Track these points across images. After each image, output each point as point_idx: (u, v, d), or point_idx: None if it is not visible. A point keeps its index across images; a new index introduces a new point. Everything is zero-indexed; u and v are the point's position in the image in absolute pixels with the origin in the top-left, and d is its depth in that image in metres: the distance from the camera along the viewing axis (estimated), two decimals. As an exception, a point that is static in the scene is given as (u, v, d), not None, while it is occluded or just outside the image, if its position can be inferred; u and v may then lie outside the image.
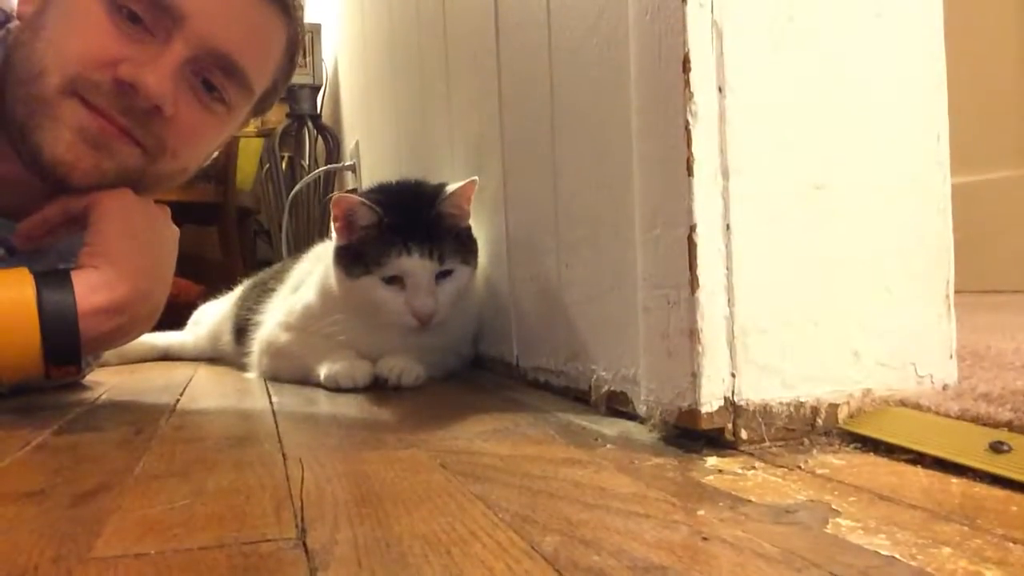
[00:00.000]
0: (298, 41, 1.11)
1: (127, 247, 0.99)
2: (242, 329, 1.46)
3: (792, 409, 0.66)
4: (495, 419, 0.84)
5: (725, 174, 0.64)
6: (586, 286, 0.90)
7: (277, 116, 3.35)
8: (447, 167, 1.21)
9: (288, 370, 1.25)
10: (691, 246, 0.64)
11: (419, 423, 0.86)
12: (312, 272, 1.32)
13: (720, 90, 0.64)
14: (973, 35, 2.08)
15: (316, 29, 3.03)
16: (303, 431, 0.84)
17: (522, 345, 1.11)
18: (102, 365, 1.59)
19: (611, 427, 0.78)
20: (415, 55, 1.60)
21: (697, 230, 0.64)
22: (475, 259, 1.19)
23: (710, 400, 0.64)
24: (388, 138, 1.90)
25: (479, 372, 1.26)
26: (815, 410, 0.67)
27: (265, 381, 1.26)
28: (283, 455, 0.70)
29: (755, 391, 0.65)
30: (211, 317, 1.68)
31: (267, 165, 3.25)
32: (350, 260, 1.15)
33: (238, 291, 1.64)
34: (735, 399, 0.65)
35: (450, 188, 1.15)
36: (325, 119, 3.19)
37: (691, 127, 0.63)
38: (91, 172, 0.98)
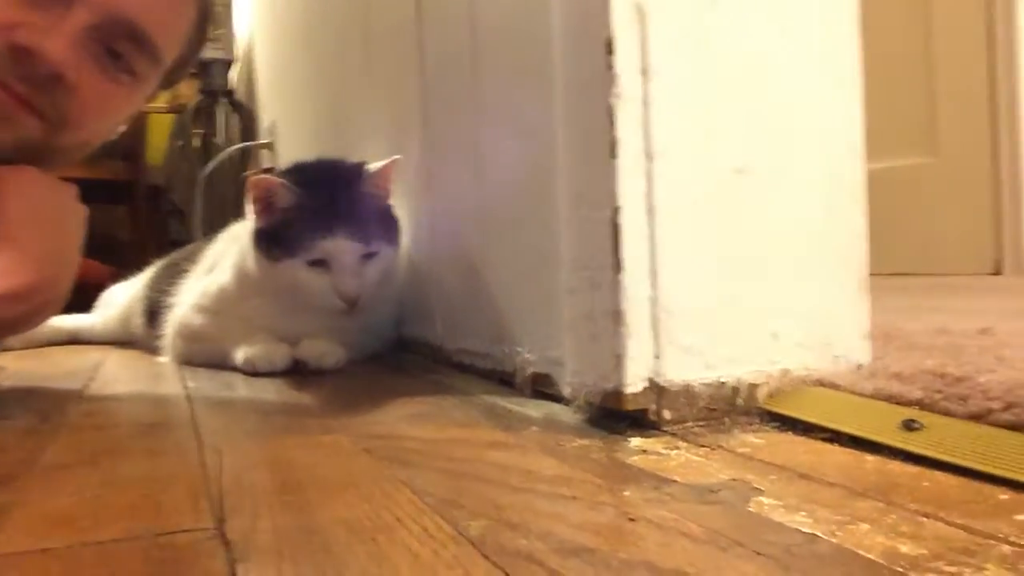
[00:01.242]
0: (208, 10, 1.07)
1: (31, 229, 0.94)
2: (154, 312, 1.41)
3: (714, 389, 0.67)
4: (419, 403, 0.83)
5: (649, 156, 0.64)
6: (510, 267, 0.89)
7: (189, 91, 3.24)
8: (368, 146, 1.19)
9: (203, 354, 1.22)
10: (615, 228, 0.64)
11: (341, 407, 0.84)
12: (227, 253, 1.28)
13: (644, 73, 0.64)
14: (882, 27, 2.15)
15: (228, 1, 2.94)
16: (220, 417, 0.81)
17: (446, 327, 1.10)
18: (5, 349, 1.52)
19: (537, 409, 0.78)
20: (332, 30, 1.57)
21: (621, 212, 0.64)
22: (398, 239, 1.18)
23: (634, 381, 0.65)
24: (307, 116, 1.86)
25: (403, 354, 1.24)
26: (736, 390, 0.68)
27: (179, 366, 1.23)
28: (199, 442, 0.68)
29: (678, 372, 0.66)
30: (121, 299, 1.62)
31: (179, 142, 3.14)
32: (270, 243, 1.13)
33: (150, 272, 1.58)
34: (658, 380, 0.65)
35: (372, 167, 1.13)
36: (240, 96, 3.10)
37: (615, 109, 0.63)
38: None
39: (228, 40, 2.96)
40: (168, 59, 1.00)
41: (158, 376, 1.13)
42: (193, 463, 0.61)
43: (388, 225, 1.16)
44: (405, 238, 1.21)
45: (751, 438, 0.64)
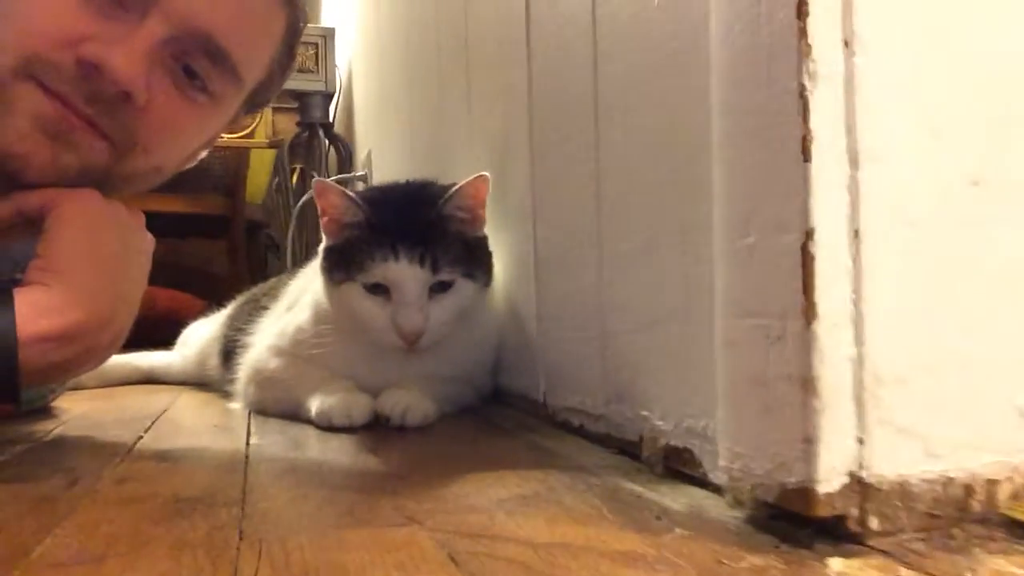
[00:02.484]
0: (298, 30, 0.95)
1: (85, 262, 0.82)
2: (229, 352, 1.28)
3: (939, 488, 0.48)
4: (521, 479, 0.66)
5: (854, 161, 0.46)
6: (637, 310, 0.72)
7: (288, 125, 3.21)
8: (464, 172, 1.03)
9: (276, 402, 1.08)
10: (806, 259, 0.46)
11: (425, 481, 0.67)
12: (308, 289, 1.14)
13: (847, 44, 0.46)
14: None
15: (329, 34, 2.89)
16: (277, 489, 0.66)
17: (551, 380, 0.93)
18: (76, 388, 1.42)
19: (675, 497, 0.59)
20: (433, 53, 1.43)
21: (815, 237, 0.45)
22: (486, 274, 1.02)
23: (830, 476, 0.46)
24: (403, 144, 1.74)
25: (498, 408, 1.07)
26: (969, 489, 0.48)
27: (250, 414, 1.09)
28: (240, 532, 0.52)
29: (891, 463, 0.47)
30: (199, 337, 1.51)
31: (276, 178, 3.10)
32: (334, 262, 0.99)
33: (229, 308, 1.47)
34: (864, 475, 0.46)
35: (455, 187, 0.98)
36: (338, 129, 3.03)
37: (808, 93, 0.45)
38: (48, 167, 0.81)
39: (328, 72, 2.89)
40: (250, 80, 0.88)
41: (221, 429, 0.99)
42: (222, 569, 0.45)
43: (473, 256, 1.00)
44: (504, 274, 1.05)
45: (1000, 562, 0.44)
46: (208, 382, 1.41)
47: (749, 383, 0.51)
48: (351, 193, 0.98)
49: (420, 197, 1.02)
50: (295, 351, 1.08)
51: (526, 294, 1.00)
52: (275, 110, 3.20)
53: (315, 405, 0.97)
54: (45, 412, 1.15)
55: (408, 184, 1.07)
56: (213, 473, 0.73)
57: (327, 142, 2.98)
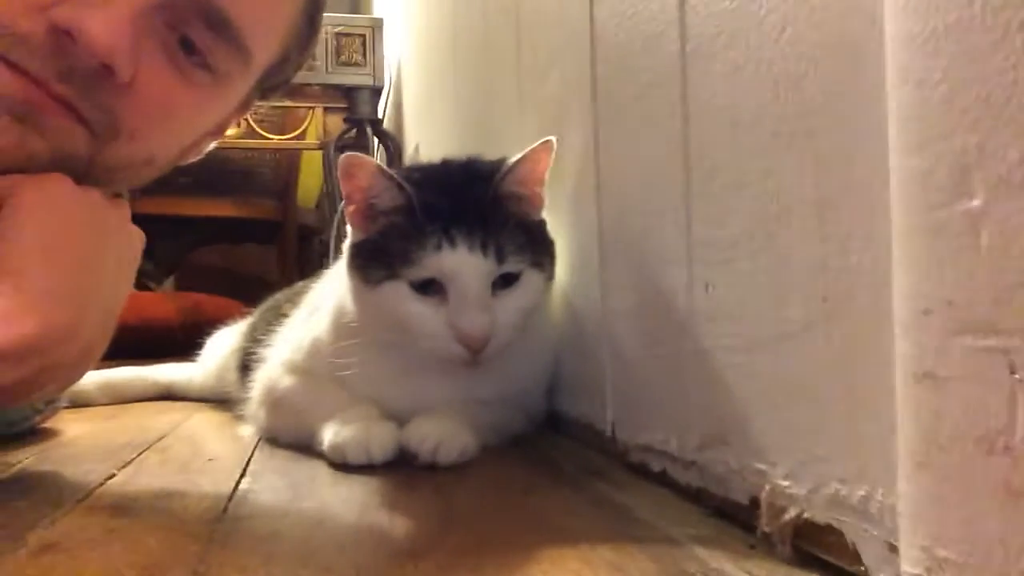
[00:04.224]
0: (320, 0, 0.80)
1: (45, 260, 0.67)
2: (247, 366, 1.11)
3: None
4: (584, 558, 0.46)
5: None
6: (749, 319, 0.51)
7: (340, 125, 3.06)
8: (513, 149, 0.84)
9: (288, 429, 0.89)
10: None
11: (456, 548, 0.48)
12: (331, 293, 0.96)
13: None
14: None
15: (377, 24, 2.72)
16: (255, 558, 0.47)
17: (622, 408, 0.73)
18: (85, 404, 1.27)
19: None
20: (479, 20, 1.24)
21: None
22: (551, 264, 0.83)
23: None
24: (449, 129, 1.55)
25: (554, 440, 0.88)
26: None
27: (259, 442, 0.91)
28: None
29: None
30: (219, 349, 1.34)
31: (325, 180, 2.96)
32: (368, 259, 0.81)
33: (253, 316, 1.29)
34: None
35: (513, 158, 0.79)
36: (387, 126, 2.87)
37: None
38: (14, 154, 0.67)
39: (376, 66, 2.73)
40: (261, 56, 0.74)
41: (215, 463, 0.81)
42: None
43: (537, 242, 0.81)
44: (561, 271, 0.85)
45: None
46: (227, 399, 1.24)
47: (972, 443, 0.30)
48: (390, 171, 0.80)
49: (468, 174, 0.83)
50: (311, 368, 0.90)
51: (589, 296, 0.80)
52: (327, 110, 3.06)
53: (328, 436, 0.78)
54: (33, 435, 0.99)
55: (450, 162, 0.88)
56: (170, 537, 0.54)
57: (376, 140, 2.82)
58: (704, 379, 0.57)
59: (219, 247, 3.19)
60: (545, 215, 0.85)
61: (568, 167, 0.83)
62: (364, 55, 2.72)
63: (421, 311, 0.78)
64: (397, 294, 0.78)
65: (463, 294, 0.76)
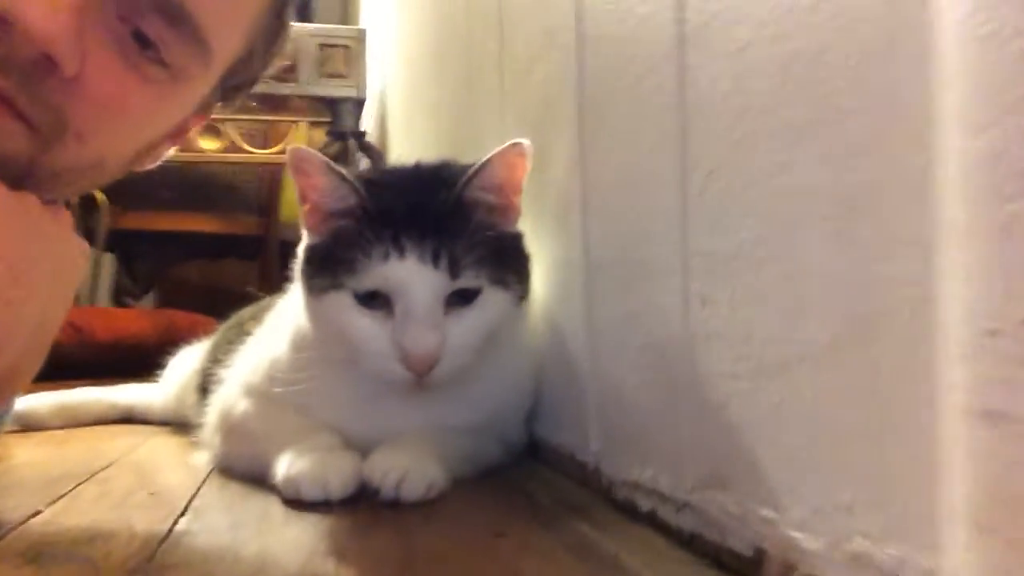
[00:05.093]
0: (290, -7, 0.74)
1: None
2: (206, 388, 1.03)
3: None
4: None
5: None
6: (757, 342, 0.44)
7: (320, 137, 3.00)
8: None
9: (243, 458, 0.81)
10: None
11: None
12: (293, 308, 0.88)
13: None
14: None
15: (360, 35, 2.66)
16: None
17: (608, 439, 0.65)
18: (36, 428, 1.19)
19: None
20: (462, 26, 1.18)
21: None
22: (522, 283, 0.75)
23: None
24: (430, 139, 1.48)
25: (531, 467, 0.80)
26: None
27: (211, 473, 0.83)
28: None
29: None
30: (181, 369, 1.25)
31: (307, 192, 2.88)
32: (316, 266, 0.74)
33: (216, 333, 1.21)
34: None
35: (480, 161, 0.72)
36: (372, 139, 2.80)
37: None
38: None
39: (359, 77, 2.66)
40: (222, 52, 0.68)
41: (154, 498, 0.73)
42: None
43: (505, 257, 0.74)
44: (542, 288, 0.78)
45: None
46: (187, 423, 1.16)
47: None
48: (341, 169, 0.73)
49: (434, 178, 0.76)
50: (268, 391, 0.82)
51: (572, 313, 0.73)
52: (311, 124, 3.00)
53: (281, 468, 0.71)
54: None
55: (418, 166, 0.80)
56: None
57: (359, 153, 2.75)
58: (701, 409, 0.49)
59: (198, 262, 3.12)
60: (525, 227, 0.77)
61: (552, 174, 0.76)
62: (347, 66, 2.65)
63: (364, 325, 0.70)
64: (340, 305, 0.71)
65: (409, 309, 0.69)
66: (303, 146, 0.72)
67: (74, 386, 1.35)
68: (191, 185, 2.86)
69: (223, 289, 3.25)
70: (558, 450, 0.76)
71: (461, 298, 0.71)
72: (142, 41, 0.62)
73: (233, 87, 0.77)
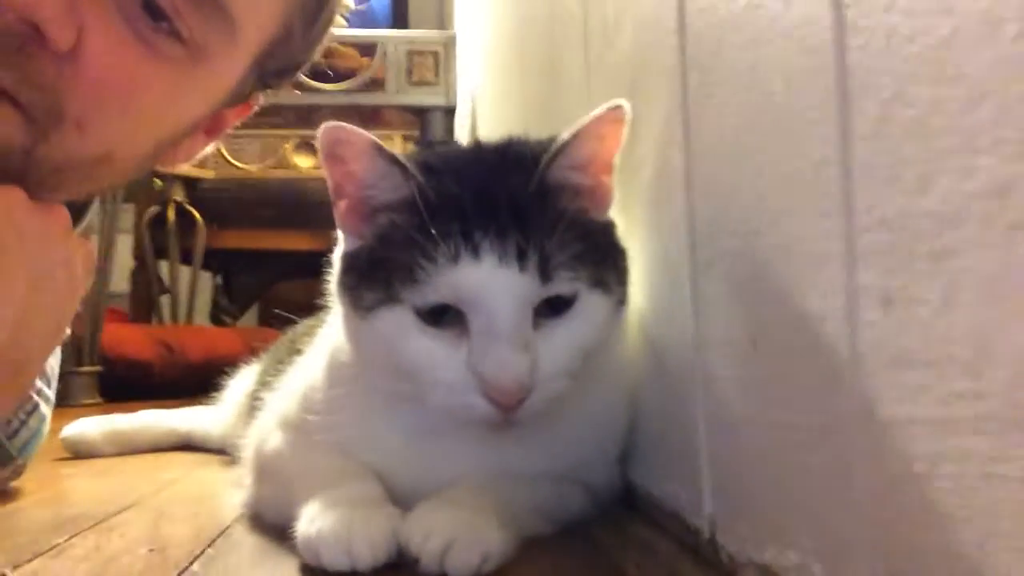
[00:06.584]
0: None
1: None
2: (255, 414, 0.90)
3: None
4: None
5: None
6: (997, 367, 0.25)
7: (404, 147, 2.90)
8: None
9: (271, 502, 0.67)
10: None
11: None
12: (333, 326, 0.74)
13: None
14: None
15: (449, 41, 2.55)
16: None
17: (727, 498, 0.47)
18: (88, 456, 1.10)
19: None
20: (543, 9, 1.02)
21: None
22: (623, 284, 0.59)
23: None
24: (513, 120, 1.33)
25: (626, 524, 0.62)
26: None
27: (238, 520, 0.69)
28: None
29: None
30: (238, 391, 1.13)
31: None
32: (360, 276, 0.59)
33: (270, 351, 1.09)
34: None
35: (566, 133, 0.55)
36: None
37: None
38: None
39: (449, 84, 2.55)
40: (252, 28, 0.59)
41: (149, 558, 0.59)
42: None
43: (601, 251, 0.58)
44: (636, 291, 0.61)
45: None
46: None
47: None
48: (391, 151, 0.57)
49: (507, 159, 0.60)
50: (303, 423, 0.68)
51: (675, 326, 0.55)
52: (406, 137, 2.91)
53: (303, 523, 0.55)
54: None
55: (483, 145, 0.65)
56: None
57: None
58: (880, 467, 0.31)
59: (303, 282, 3.07)
60: (613, 214, 0.61)
61: (644, 147, 0.59)
62: (436, 73, 2.54)
63: (430, 350, 0.54)
64: (397, 325, 0.55)
65: (491, 325, 0.53)
66: (340, 123, 0.57)
67: (166, 406, 1.27)
68: (288, 203, 2.80)
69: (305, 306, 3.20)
70: (660, 505, 0.58)
71: (551, 308, 0.55)
72: (153, 12, 0.54)
73: (274, 71, 0.67)
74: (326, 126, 0.57)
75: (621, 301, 0.59)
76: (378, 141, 0.56)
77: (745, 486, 0.45)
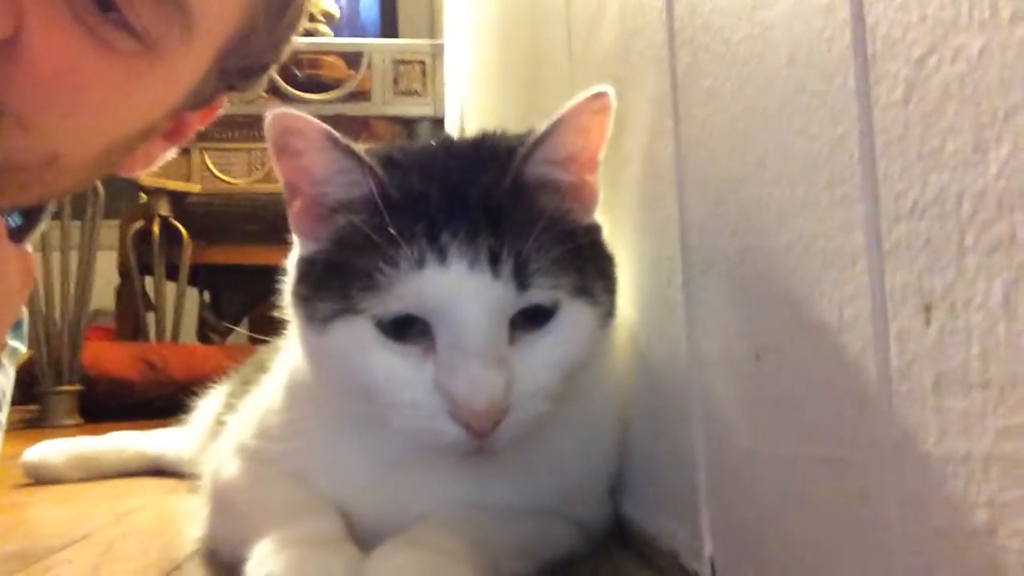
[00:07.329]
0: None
1: None
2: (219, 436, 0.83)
3: None
4: None
5: None
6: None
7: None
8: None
9: (226, 538, 0.61)
10: None
11: None
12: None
13: None
14: None
15: (437, 50, 2.50)
16: None
17: (729, 538, 0.41)
18: (52, 481, 1.04)
19: None
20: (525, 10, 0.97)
21: None
22: (609, 294, 0.53)
23: None
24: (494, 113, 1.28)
25: (618, 563, 0.56)
26: None
27: (190, 559, 0.62)
28: None
29: None
30: (206, 412, 1.07)
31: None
32: (315, 284, 0.52)
33: (239, 370, 1.03)
34: None
35: (544, 124, 0.50)
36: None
37: None
38: None
39: (436, 95, 2.50)
40: (211, 21, 0.54)
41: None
42: None
43: (584, 257, 0.52)
44: (624, 302, 0.55)
45: None
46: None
47: None
48: (348, 143, 0.51)
49: (479, 154, 0.54)
50: (258, 450, 0.62)
51: (668, 341, 0.49)
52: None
53: (251, 564, 0.49)
54: None
55: (454, 140, 0.59)
56: None
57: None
58: (922, 515, 0.25)
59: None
60: (598, 216, 0.55)
61: (630, 141, 0.53)
62: (424, 83, 2.49)
63: (392, 367, 0.48)
64: (356, 339, 0.49)
65: (460, 340, 0.47)
66: (290, 110, 0.51)
67: (149, 426, 1.22)
68: (276, 217, 2.75)
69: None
70: (655, 543, 0.52)
71: (529, 320, 0.49)
72: (102, 2, 0.50)
73: (237, 69, 0.62)
74: (273, 113, 0.51)
75: (608, 312, 0.53)
76: (334, 131, 0.50)
77: (750, 528, 0.38)
